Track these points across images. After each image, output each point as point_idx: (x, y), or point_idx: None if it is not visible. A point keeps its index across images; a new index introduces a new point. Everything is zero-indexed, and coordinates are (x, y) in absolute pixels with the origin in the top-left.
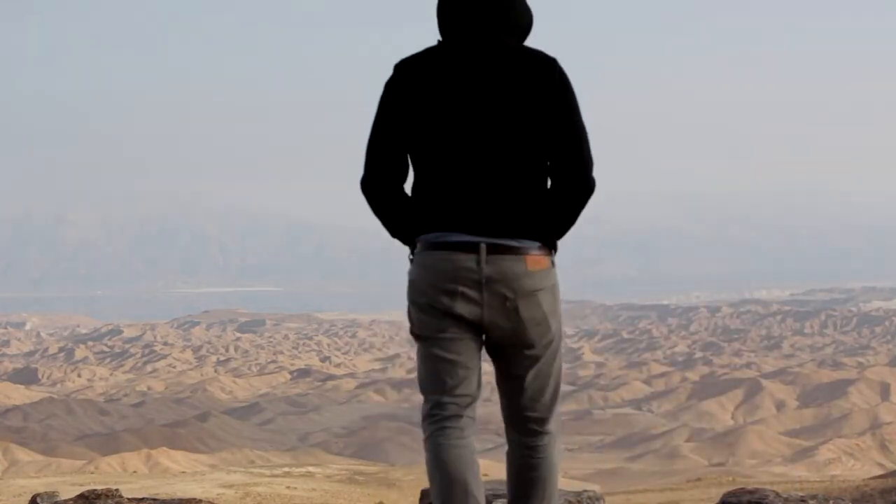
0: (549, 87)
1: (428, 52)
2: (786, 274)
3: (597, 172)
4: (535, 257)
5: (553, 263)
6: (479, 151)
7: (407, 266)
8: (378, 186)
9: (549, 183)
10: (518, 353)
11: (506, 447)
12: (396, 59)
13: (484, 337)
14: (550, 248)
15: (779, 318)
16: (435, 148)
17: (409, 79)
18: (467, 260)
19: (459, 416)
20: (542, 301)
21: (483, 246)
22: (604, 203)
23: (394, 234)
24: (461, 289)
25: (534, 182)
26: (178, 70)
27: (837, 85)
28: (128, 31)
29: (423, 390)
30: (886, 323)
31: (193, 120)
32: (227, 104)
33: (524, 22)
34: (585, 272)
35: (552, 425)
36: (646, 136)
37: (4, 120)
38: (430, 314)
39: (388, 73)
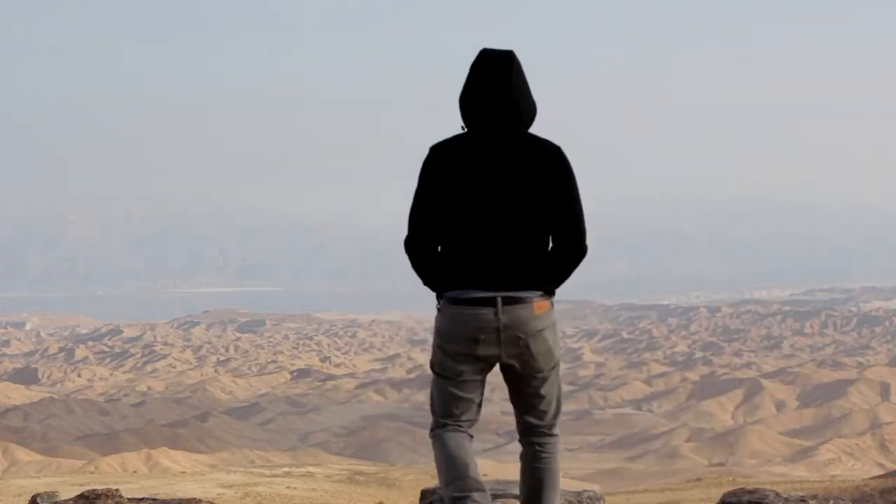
0: (554, 173)
1: (457, 138)
2: (786, 274)
3: (597, 183)
4: (538, 303)
5: (552, 305)
6: (495, 223)
7: (435, 313)
8: (419, 247)
9: (549, 246)
10: (531, 378)
11: (505, 447)
12: (396, 60)
13: (502, 371)
14: (550, 294)
15: (779, 318)
16: (460, 219)
17: (441, 160)
18: (487, 312)
19: (459, 430)
20: (547, 337)
21: (499, 299)
22: (604, 203)
23: (426, 283)
24: (483, 336)
25: (537, 247)
26: (179, 71)
27: (837, 85)
28: (128, 32)
29: (434, 413)
30: (886, 323)
31: (194, 121)
32: (227, 105)
33: (532, 112)
34: (585, 272)
35: (557, 430)
36: (646, 137)
37: (5, 120)
38: (454, 359)
39: (389, 73)
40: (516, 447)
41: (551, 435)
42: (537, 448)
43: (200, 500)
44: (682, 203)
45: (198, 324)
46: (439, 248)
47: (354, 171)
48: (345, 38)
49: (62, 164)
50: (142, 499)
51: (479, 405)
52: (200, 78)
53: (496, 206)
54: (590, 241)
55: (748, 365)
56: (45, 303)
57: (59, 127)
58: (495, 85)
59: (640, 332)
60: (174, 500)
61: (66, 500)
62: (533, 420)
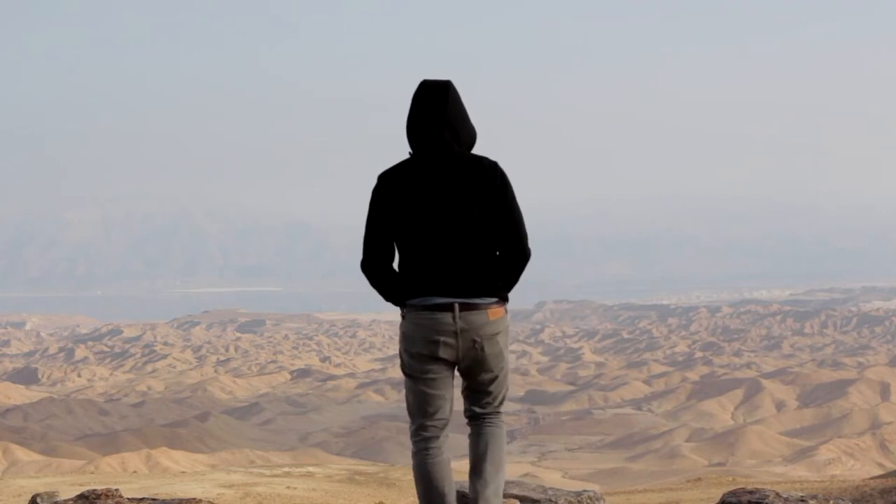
0: (492, 186)
1: (402, 163)
2: (786, 274)
3: (597, 183)
4: (493, 309)
5: (506, 311)
6: (445, 236)
7: (399, 321)
8: (374, 267)
9: (496, 254)
10: (482, 375)
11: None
12: (394, 62)
13: (457, 368)
14: (503, 300)
15: (779, 318)
16: (414, 236)
17: (389, 186)
18: (446, 317)
19: (437, 437)
20: (499, 341)
21: (457, 305)
22: (604, 203)
23: (387, 299)
24: (442, 338)
25: (487, 255)
26: (180, 72)
27: (837, 85)
28: (129, 33)
29: (410, 414)
30: (886, 323)
31: (194, 121)
32: (227, 106)
33: (471, 137)
34: (585, 272)
35: (501, 408)
36: (646, 138)
37: (5, 120)
38: (419, 360)
39: (388, 76)
40: (517, 447)
41: (497, 413)
42: (483, 421)
43: (200, 500)
44: (682, 203)
45: (198, 324)
46: (396, 265)
47: (354, 170)
48: (344, 38)
49: (62, 164)
50: (142, 499)
51: (451, 403)
52: (201, 79)
53: (444, 220)
54: (590, 240)
55: (748, 365)
56: (45, 303)
57: (59, 127)
58: (433, 112)
59: (640, 332)
60: (174, 500)
61: (66, 500)
62: (479, 409)
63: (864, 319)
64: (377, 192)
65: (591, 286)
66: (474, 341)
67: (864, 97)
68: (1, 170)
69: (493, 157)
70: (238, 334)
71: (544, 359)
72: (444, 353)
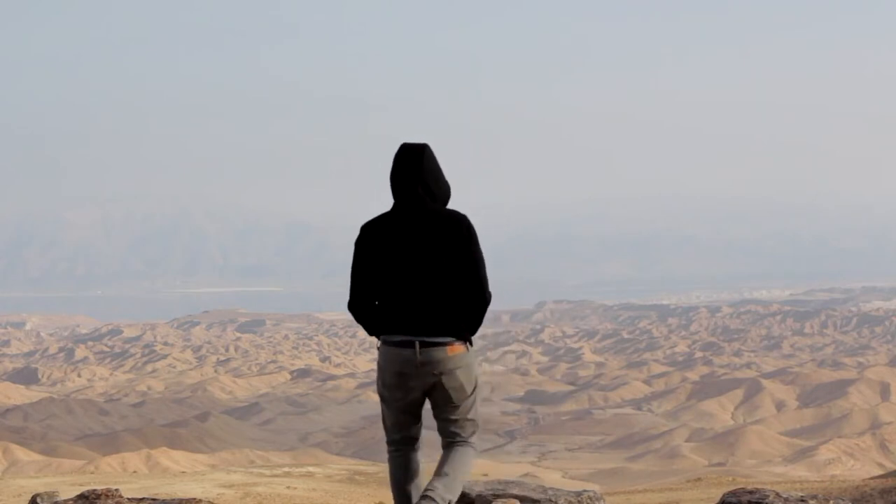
0: (459, 237)
1: (382, 216)
2: (786, 274)
3: (597, 183)
4: (453, 347)
5: (468, 348)
6: (414, 282)
7: (376, 353)
8: (358, 307)
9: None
10: (447, 406)
11: (505, 447)
12: (394, 62)
13: (425, 397)
14: (464, 339)
15: (779, 318)
16: (388, 280)
17: (369, 236)
18: (408, 352)
19: (409, 446)
20: (459, 375)
21: (417, 343)
22: (604, 203)
23: (370, 333)
24: (406, 371)
25: (451, 299)
26: (180, 72)
27: (837, 86)
28: (129, 33)
29: (385, 430)
30: (886, 323)
31: (194, 121)
32: (227, 106)
33: (445, 192)
34: (585, 272)
35: (472, 439)
36: (646, 138)
37: (5, 120)
38: (391, 388)
39: (388, 76)
40: (516, 447)
41: (465, 440)
42: (452, 444)
43: (200, 500)
44: (683, 203)
45: (198, 324)
46: (377, 302)
47: (355, 170)
48: (344, 38)
49: (62, 164)
50: (142, 499)
51: (420, 424)
52: (201, 79)
53: (413, 267)
54: (590, 240)
55: (748, 365)
56: (45, 303)
57: (59, 127)
58: (409, 172)
59: (640, 332)
60: (174, 500)
61: (66, 500)
62: (450, 436)
63: (864, 319)
64: (359, 242)
65: (591, 286)
66: (433, 374)
67: (864, 97)
68: (1, 170)
69: (491, 160)
70: (238, 334)
71: (544, 359)
72: (409, 382)
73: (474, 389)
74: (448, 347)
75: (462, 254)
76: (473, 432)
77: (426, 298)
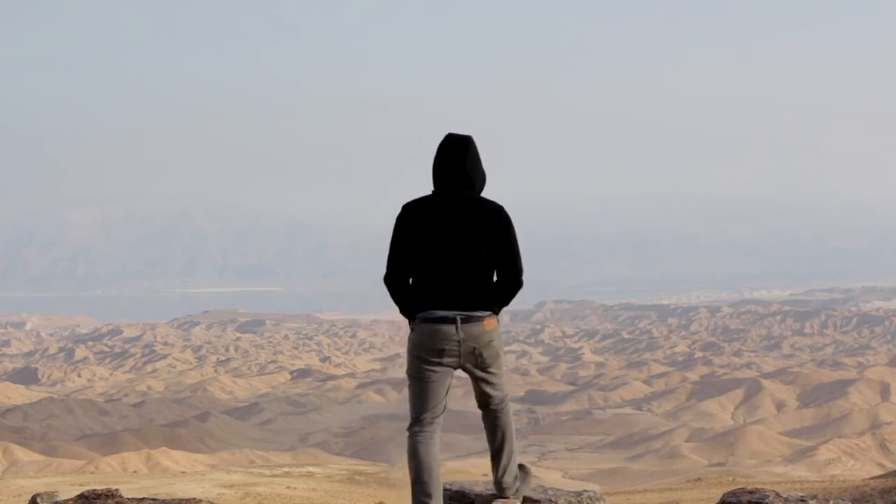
0: (496, 225)
1: (424, 198)
2: (786, 274)
3: (597, 183)
4: (488, 321)
5: (498, 321)
6: (452, 261)
7: (408, 332)
8: (394, 281)
9: (495, 278)
10: (485, 374)
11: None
12: (394, 62)
13: (461, 369)
14: (496, 313)
15: (779, 318)
16: (427, 259)
17: (411, 215)
18: (449, 328)
19: (431, 425)
20: (494, 345)
21: (458, 318)
22: (604, 203)
23: (402, 310)
24: (447, 346)
25: (486, 278)
26: (180, 72)
27: (837, 86)
28: (129, 33)
29: (412, 408)
30: (886, 323)
31: (194, 121)
32: (227, 106)
33: (482, 181)
34: (585, 272)
35: (504, 397)
36: (646, 138)
37: (5, 120)
38: (426, 363)
39: (388, 76)
40: (517, 447)
41: (502, 404)
42: (494, 414)
43: (200, 500)
44: (683, 203)
45: (198, 324)
46: (411, 281)
47: (354, 170)
48: (344, 38)
49: (62, 164)
50: (142, 499)
51: (445, 402)
52: (201, 79)
53: (452, 248)
54: (590, 240)
55: (748, 365)
56: (45, 303)
57: (59, 127)
58: (454, 162)
59: (640, 332)
60: (174, 500)
61: (66, 500)
62: (488, 401)
63: (864, 319)
64: (401, 219)
65: (591, 286)
66: (474, 348)
67: (864, 97)
68: (1, 170)
69: (492, 159)
70: (238, 334)
71: (544, 359)
72: (447, 358)
73: (503, 354)
74: (485, 321)
75: (500, 240)
76: (507, 394)
77: (464, 277)
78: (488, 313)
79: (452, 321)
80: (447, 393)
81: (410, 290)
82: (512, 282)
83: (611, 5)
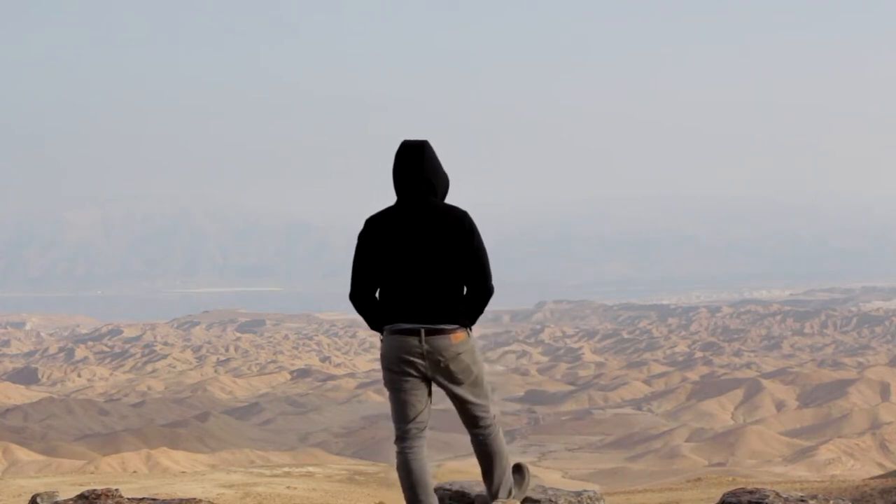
0: (460, 233)
1: (386, 210)
2: (786, 274)
3: (597, 183)
4: (456, 334)
5: (468, 335)
6: (417, 273)
7: (379, 344)
8: (360, 298)
9: (463, 289)
10: (457, 388)
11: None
12: (394, 62)
13: (433, 384)
14: (466, 326)
15: (779, 318)
16: (392, 272)
17: (374, 229)
18: (413, 339)
19: (417, 437)
20: (464, 358)
21: (422, 330)
22: (604, 204)
23: (371, 325)
24: (412, 358)
25: (454, 290)
26: (180, 72)
27: (837, 86)
28: (129, 33)
29: (394, 421)
30: (886, 323)
31: (194, 121)
32: (227, 106)
33: (445, 186)
34: (585, 272)
35: (491, 420)
36: (646, 138)
37: (5, 120)
38: (396, 374)
39: (388, 76)
40: (517, 447)
41: (486, 425)
42: (482, 438)
43: (200, 500)
44: (683, 203)
45: (198, 324)
46: (378, 295)
47: (354, 170)
48: (344, 38)
49: (62, 164)
50: (142, 499)
51: (427, 410)
52: (201, 79)
53: (416, 260)
54: (590, 240)
55: (748, 365)
56: (45, 303)
57: (59, 127)
58: (412, 169)
59: (640, 332)
60: (174, 500)
61: (66, 500)
62: (473, 422)
63: (864, 319)
64: (363, 235)
65: (591, 286)
66: (439, 360)
67: (864, 97)
68: (1, 170)
69: (491, 160)
70: (238, 334)
71: (544, 359)
72: (414, 370)
73: (479, 370)
74: (452, 335)
75: (465, 247)
76: (494, 415)
77: (429, 289)
78: (456, 326)
79: (416, 333)
80: (428, 404)
81: (377, 304)
82: (481, 290)
83: (611, 5)
